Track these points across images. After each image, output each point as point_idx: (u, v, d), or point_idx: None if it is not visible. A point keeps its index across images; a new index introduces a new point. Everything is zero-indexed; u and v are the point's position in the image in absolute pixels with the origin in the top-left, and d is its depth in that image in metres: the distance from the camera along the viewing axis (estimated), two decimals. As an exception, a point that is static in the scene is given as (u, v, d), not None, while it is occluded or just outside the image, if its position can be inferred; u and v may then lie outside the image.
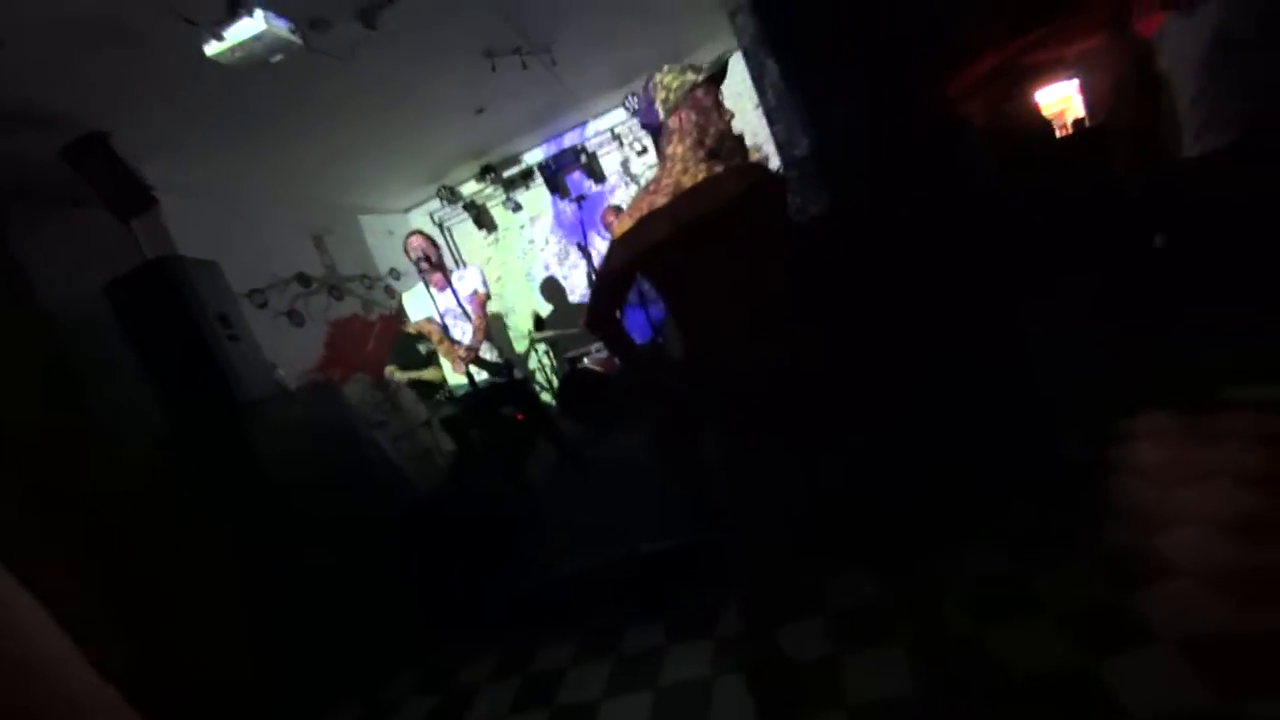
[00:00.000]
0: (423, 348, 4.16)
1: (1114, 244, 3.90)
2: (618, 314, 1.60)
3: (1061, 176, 4.29)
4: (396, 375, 4.20)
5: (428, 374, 4.09)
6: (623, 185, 5.94)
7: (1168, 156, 2.34)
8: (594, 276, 4.48)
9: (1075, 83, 5.16)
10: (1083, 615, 1.58)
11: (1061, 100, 5.17)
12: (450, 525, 2.94)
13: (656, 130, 1.53)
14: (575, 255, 6.09)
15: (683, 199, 1.46)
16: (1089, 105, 5.05)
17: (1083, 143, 4.46)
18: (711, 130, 1.48)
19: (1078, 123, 4.98)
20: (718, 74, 1.53)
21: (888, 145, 2.06)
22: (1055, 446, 2.19)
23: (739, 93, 5.56)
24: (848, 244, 2.10)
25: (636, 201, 1.52)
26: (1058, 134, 4.73)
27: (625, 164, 5.89)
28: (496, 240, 6.48)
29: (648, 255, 1.49)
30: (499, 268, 6.53)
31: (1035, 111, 4.75)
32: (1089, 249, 4.10)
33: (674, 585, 2.35)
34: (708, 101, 1.50)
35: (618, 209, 4.75)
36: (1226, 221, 2.25)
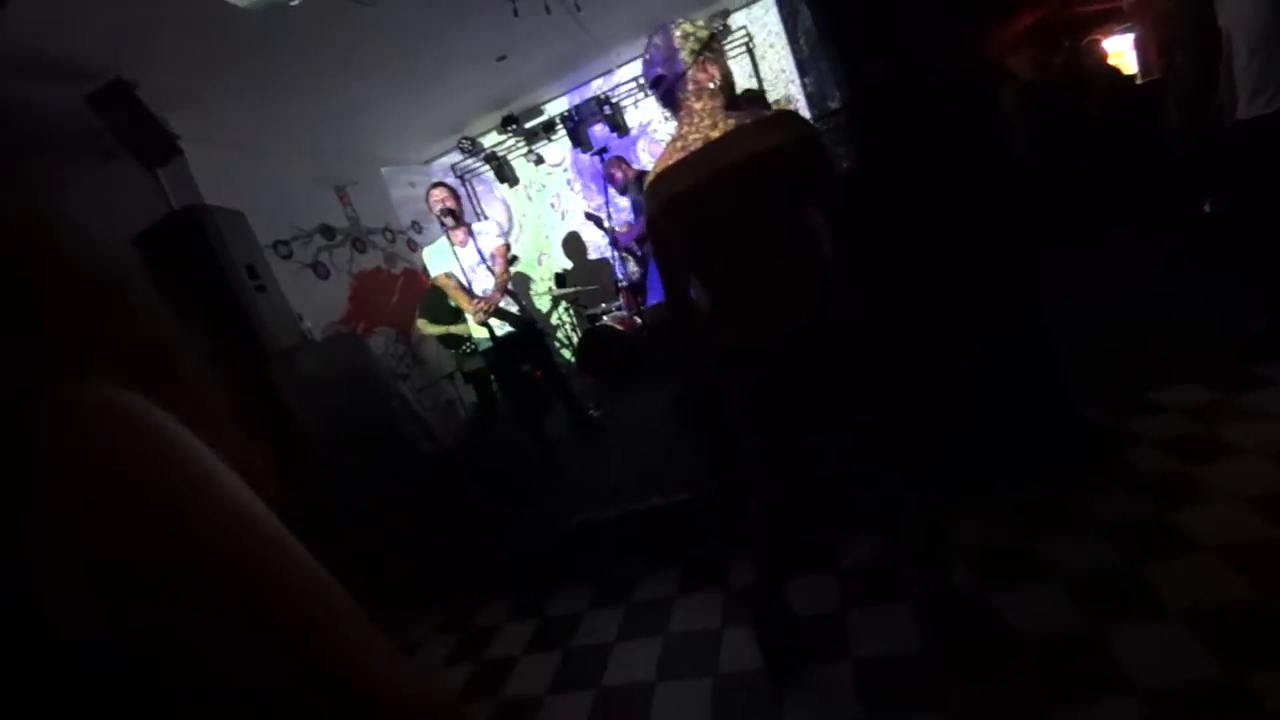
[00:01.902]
0: (453, 303, 4.20)
1: (1158, 208, 3.75)
2: (687, 288, 1.59)
3: (1108, 135, 4.09)
4: (428, 329, 4.25)
5: (457, 329, 4.14)
6: (661, 121, 5.77)
7: (1222, 118, 2.22)
8: (612, 235, 4.43)
9: (1130, 37, 4.86)
10: (1096, 584, 1.59)
11: (1115, 55, 4.88)
12: (471, 476, 3.02)
13: (673, 82, 1.47)
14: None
15: (713, 154, 1.41)
16: (1143, 61, 4.77)
17: (1135, 101, 4.22)
18: (730, 82, 1.48)
19: (1130, 79, 4.71)
20: (720, 31, 1.50)
21: (922, 99, 1.98)
22: (1080, 416, 2.16)
23: (774, 32, 5.35)
24: (879, 199, 2.04)
25: (663, 163, 1.48)
26: (1121, 84, 4.46)
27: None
28: (530, 198, 6.43)
29: (683, 217, 1.47)
30: (527, 222, 6.51)
31: (1096, 64, 4.49)
32: (1130, 212, 3.95)
33: (686, 538, 2.41)
34: (723, 52, 1.49)
35: (620, 159, 4.63)
36: (1276, 188, 2.14)
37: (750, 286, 1.47)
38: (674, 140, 1.49)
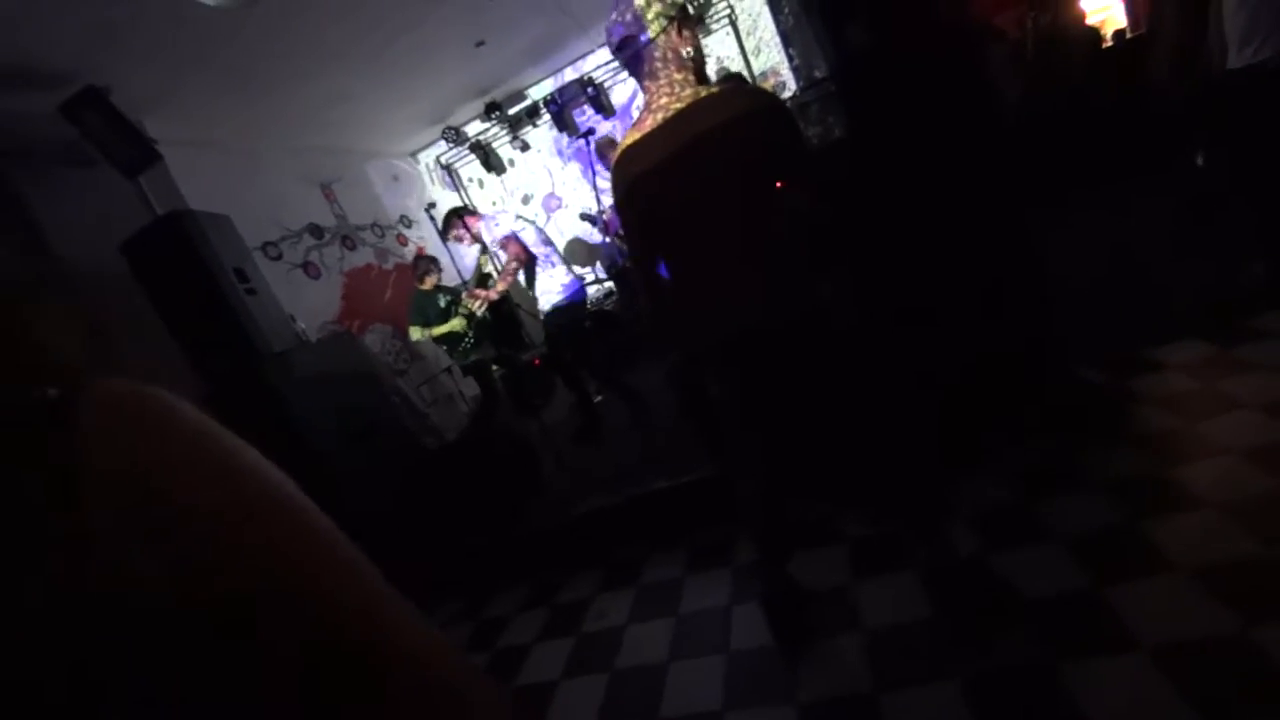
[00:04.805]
0: (441, 300, 4.19)
1: (1151, 163, 3.71)
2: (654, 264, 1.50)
3: (1099, 92, 4.04)
4: (433, 333, 4.23)
5: (453, 325, 4.14)
6: None
7: (1213, 69, 2.18)
8: (604, 223, 4.39)
9: (1118, -13, 4.79)
10: (1099, 543, 1.60)
11: (1102, 9, 4.81)
12: (475, 467, 3.03)
13: (641, 47, 1.38)
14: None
15: (681, 125, 1.33)
16: (1132, 14, 4.70)
17: (1124, 55, 4.17)
18: (701, 57, 1.42)
19: (1119, 34, 4.64)
20: (703, 2, 1.44)
21: (909, 65, 1.94)
22: (1080, 376, 2.16)
23: (758, 3, 5.25)
24: (866, 169, 2.02)
25: (630, 137, 1.41)
26: (1099, 45, 4.41)
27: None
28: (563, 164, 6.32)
29: (650, 196, 1.39)
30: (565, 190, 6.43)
31: (1074, 23, 4.42)
32: (1124, 168, 3.91)
33: (692, 518, 2.42)
34: (696, 24, 1.42)
35: (612, 142, 4.57)
36: (1270, 138, 2.11)
37: (726, 274, 1.38)
38: (645, 112, 1.40)
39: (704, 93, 1.35)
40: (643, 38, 1.38)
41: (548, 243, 3.45)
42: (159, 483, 0.36)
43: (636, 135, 1.40)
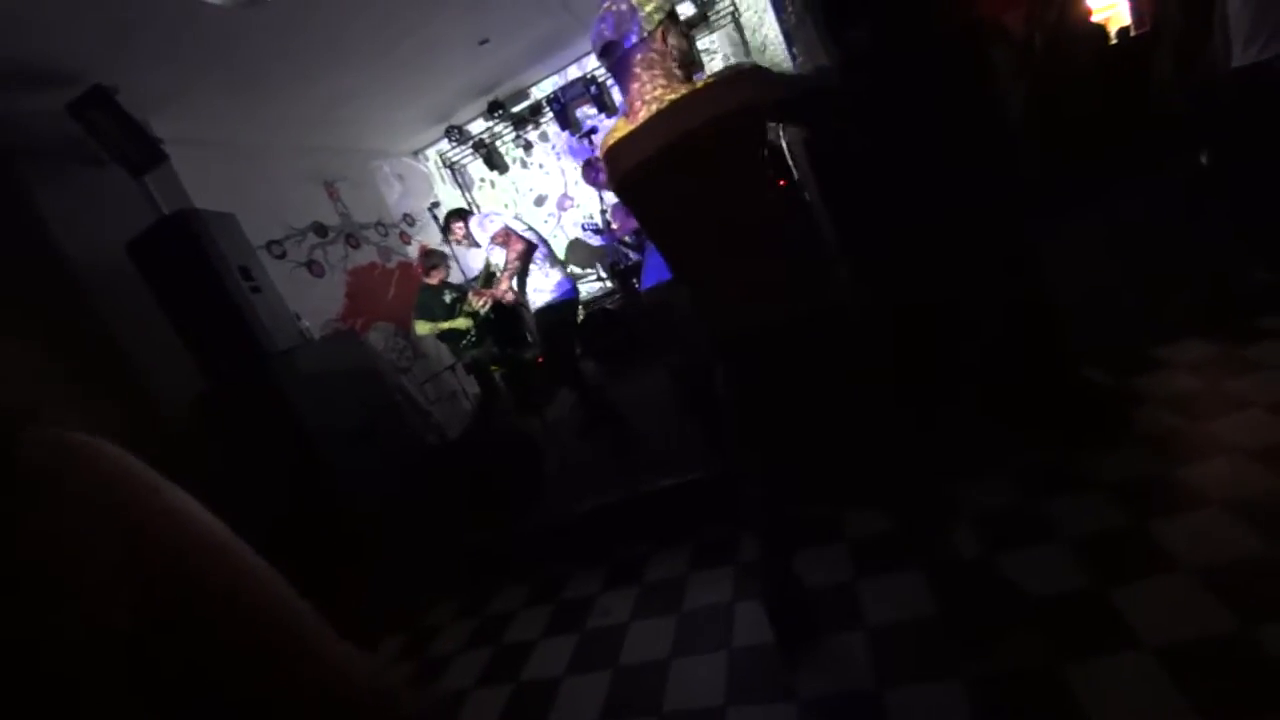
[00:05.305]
0: (447, 296, 4.21)
1: (1155, 162, 3.70)
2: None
3: (1103, 90, 4.03)
4: (425, 329, 4.24)
5: (456, 323, 4.16)
6: None
7: (1217, 67, 2.18)
8: (608, 229, 4.40)
9: (1123, -15, 4.76)
10: (1103, 543, 1.60)
11: (1107, 6, 4.79)
12: (478, 465, 3.04)
13: (626, 53, 1.35)
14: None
15: (669, 121, 1.29)
16: (1136, 12, 4.68)
17: (1128, 52, 4.15)
18: (688, 61, 1.38)
19: (1123, 31, 4.62)
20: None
21: (911, 65, 1.94)
22: (1084, 376, 2.15)
23: (762, 8, 5.25)
24: (867, 168, 2.01)
25: (614, 135, 1.38)
26: (1105, 42, 4.38)
27: None
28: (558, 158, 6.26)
29: (640, 196, 1.38)
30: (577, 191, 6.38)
31: (1080, 20, 4.40)
32: (1127, 167, 3.90)
33: (696, 516, 2.43)
34: (687, 31, 1.40)
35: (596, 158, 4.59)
36: (1274, 136, 2.10)
37: (725, 273, 1.36)
38: (638, 102, 1.35)
39: (700, 84, 1.31)
40: (631, 37, 1.34)
41: (544, 245, 3.48)
42: (120, 496, 0.39)
43: (628, 127, 1.35)
